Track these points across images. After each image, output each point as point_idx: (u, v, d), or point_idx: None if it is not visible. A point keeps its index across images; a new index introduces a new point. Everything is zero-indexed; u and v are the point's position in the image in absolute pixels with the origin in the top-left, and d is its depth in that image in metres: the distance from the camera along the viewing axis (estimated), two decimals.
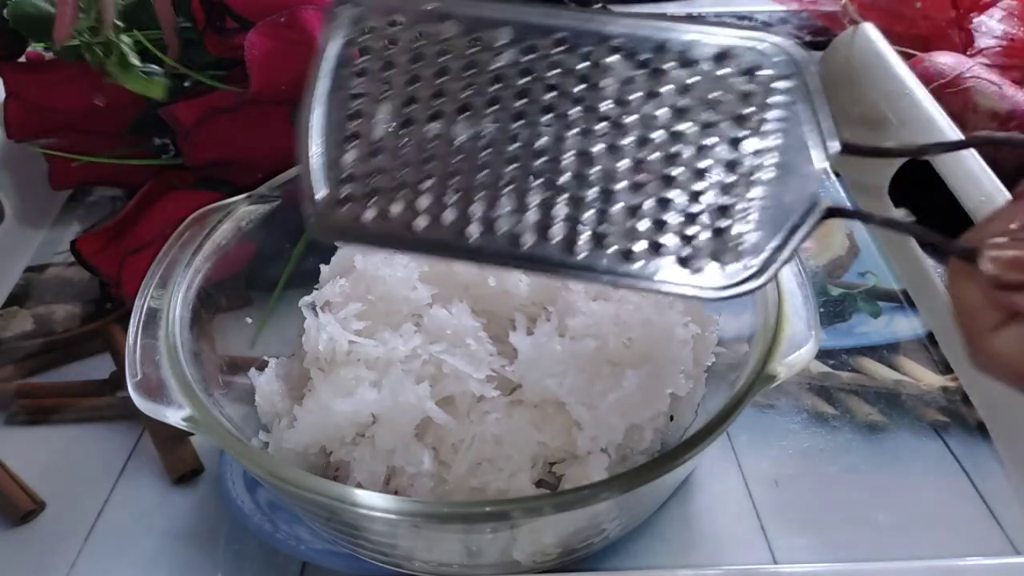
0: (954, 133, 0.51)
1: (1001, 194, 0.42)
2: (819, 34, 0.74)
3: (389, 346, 0.35)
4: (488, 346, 0.35)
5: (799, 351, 0.32)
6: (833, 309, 0.49)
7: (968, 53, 0.63)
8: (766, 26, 0.78)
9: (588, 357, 0.34)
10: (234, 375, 0.38)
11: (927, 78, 0.57)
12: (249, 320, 0.42)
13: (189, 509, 0.39)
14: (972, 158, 0.47)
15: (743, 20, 0.79)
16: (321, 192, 0.24)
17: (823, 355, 0.46)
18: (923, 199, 0.51)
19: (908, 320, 0.49)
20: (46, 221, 0.57)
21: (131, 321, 0.34)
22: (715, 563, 0.36)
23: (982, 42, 0.64)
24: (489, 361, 0.35)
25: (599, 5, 0.60)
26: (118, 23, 0.43)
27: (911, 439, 0.41)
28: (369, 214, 0.24)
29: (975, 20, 0.65)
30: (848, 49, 0.62)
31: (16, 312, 0.50)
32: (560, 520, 0.31)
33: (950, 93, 0.57)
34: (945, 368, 0.45)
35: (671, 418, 0.37)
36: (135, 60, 0.44)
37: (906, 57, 0.59)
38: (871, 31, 0.62)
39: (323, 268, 0.40)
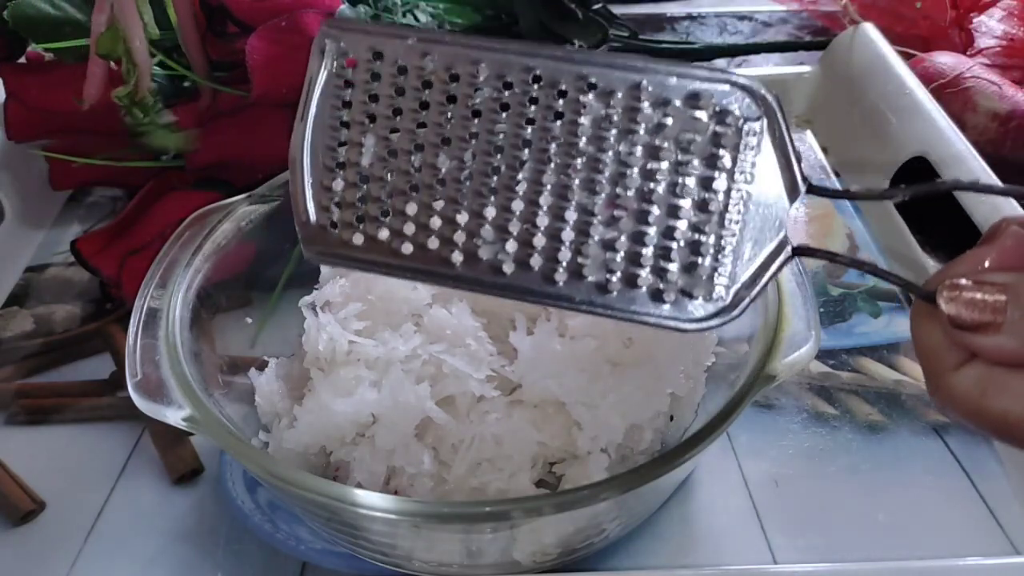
0: (954, 134, 0.51)
1: (1008, 203, 0.42)
2: (819, 34, 0.74)
3: (389, 346, 0.35)
4: (488, 346, 0.35)
5: (799, 351, 0.32)
6: (833, 309, 0.49)
7: (968, 53, 0.63)
8: (766, 26, 0.78)
9: (588, 357, 0.34)
10: (234, 375, 0.38)
11: (927, 78, 0.58)
12: (249, 320, 0.42)
13: (189, 509, 0.39)
14: (977, 165, 0.47)
15: (743, 20, 0.79)
16: (314, 215, 0.25)
17: (823, 355, 0.46)
18: (927, 207, 0.51)
19: (908, 320, 0.49)
20: (46, 221, 0.57)
21: (131, 321, 0.34)
22: (715, 563, 0.36)
23: (982, 42, 0.64)
24: (489, 361, 0.35)
25: (599, 5, 0.60)
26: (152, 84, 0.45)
27: (911, 439, 0.41)
28: (358, 239, 0.25)
29: (975, 20, 0.65)
30: (848, 49, 0.62)
31: (16, 312, 0.50)
32: (560, 520, 0.31)
33: (950, 93, 0.57)
34: None
35: (671, 418, 0.37)
36: (167, 118, 0.47)
37: (906, 57, 0.59)
38: (871, 31, 0.62)
39: (323, 268, 0.40)
